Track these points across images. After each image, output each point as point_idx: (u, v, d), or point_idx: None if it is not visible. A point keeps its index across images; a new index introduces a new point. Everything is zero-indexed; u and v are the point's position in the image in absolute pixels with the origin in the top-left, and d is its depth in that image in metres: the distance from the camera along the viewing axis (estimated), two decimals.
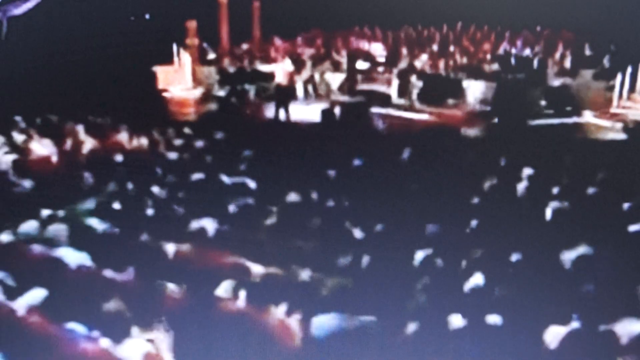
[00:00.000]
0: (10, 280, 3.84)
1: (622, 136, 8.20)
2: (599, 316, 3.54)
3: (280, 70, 9.52)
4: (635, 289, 4.02)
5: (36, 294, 3.59)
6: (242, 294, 3.77)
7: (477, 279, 4.16)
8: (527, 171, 6.34)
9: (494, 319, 3.58)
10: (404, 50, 12.48)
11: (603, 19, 12.02)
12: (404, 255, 4.53)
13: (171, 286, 3.85)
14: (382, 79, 12.17)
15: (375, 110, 10.09)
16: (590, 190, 6.23)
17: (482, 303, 3.82)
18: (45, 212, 5.15)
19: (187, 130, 8.42)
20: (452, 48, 12.71)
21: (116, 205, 5.51)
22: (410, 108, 10.85)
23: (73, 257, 3.95)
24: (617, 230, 5.06)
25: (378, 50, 13.63)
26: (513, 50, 12.44)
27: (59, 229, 4.31)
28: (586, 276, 4.20)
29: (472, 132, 8.61)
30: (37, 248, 4.13)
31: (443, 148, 7.26)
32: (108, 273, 3.81)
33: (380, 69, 12.55)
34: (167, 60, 14.06)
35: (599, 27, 12.08)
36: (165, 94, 12.77)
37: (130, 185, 6.28)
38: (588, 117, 9.72)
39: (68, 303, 3.40)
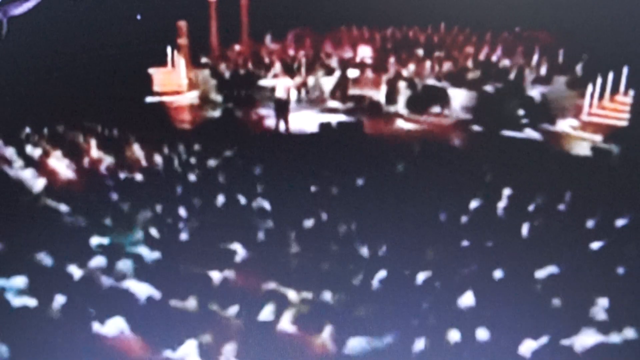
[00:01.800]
0: (90, 309, 4.81)
1: (587, 152, 9.37)
2: (563, 330, 4.69)
3: (281, 84, 10.42)
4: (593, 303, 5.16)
5: (117, 323, 4.58)
6: (283, 316, 4.82)
7: (468, 297, 5.27)
8: (506, 192, 7.44)
9: (482, 333, 4.69)
10: (392, 57, 13.40)
11: (577, 26, 13.16)
12: (408, 277, 5.62)
13: (224, 311, 4.88)
14: (371, 83, 13.16)
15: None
16: (561, 207, 7.40)
17: (474, 319, 4.92)
18: (95, 241, 6.08)
19: (197, 147, 9.33)
20: (436, 53, 13.67)
21: (153, 232, 6.45)
22: (398, 115, 11.91)
23: (141, 289, 4.93)
24: (582, 248, 6.20)
25: (366, 53, 14.54)
26: (494, 58, 13.48)
27: (125, 264, 5.26)
28: (554, 293, 5.33)
29: (456, 145, 9.69)
30: (107, 281, 5.09)
31: (434, 165, 8.34)
32: (174, 303, 4.81)
33: (369, 74, 13.51)
34: (161, 61, 14.81)
35: (573, 34, 13.20)
36: (162, 98, 13.52)
37: (159, 208, 7.21)
38: (561, 125, 10.90)
39: (153, 330, 4.40)
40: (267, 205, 7.28)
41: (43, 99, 11.94)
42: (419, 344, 4.49)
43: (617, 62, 11.74)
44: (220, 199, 7.32)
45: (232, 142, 9.42)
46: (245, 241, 6.17)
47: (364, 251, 6.33)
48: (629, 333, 4.54)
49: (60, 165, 9.17)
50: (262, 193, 7.54)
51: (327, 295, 5.20)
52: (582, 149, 9.70)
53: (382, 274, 5.62)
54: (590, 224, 6.88)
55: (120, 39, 14.66)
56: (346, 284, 5.50)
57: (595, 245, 6.30)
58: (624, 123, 10.79)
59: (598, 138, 10.25)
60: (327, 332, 4.60)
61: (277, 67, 12.34)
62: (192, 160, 8.81)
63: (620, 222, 6.85)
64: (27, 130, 10.64)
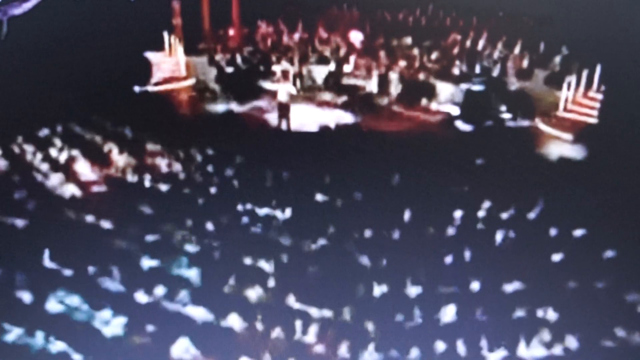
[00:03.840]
0: (158, 332, 6.45)
1: (558, 154, 11.02)
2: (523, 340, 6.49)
3: (282, 89, 11.79)
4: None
5: (183, 343, 6.25)
6: (310, 331, 6.53)
7: (451, 310, 7.02)
8: (485, 204, 9.12)
9: (460, 344, 6.48)
10: (382, 49, 14.67)
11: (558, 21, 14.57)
12: (402, 290, 7.35)
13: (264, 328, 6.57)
14: (363, 73, 14.50)
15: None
16: (532, 215, 9.13)
17: (455, 331, 6.69)
18: (147, 264, 7.65)
19: (200, 146, 10.81)
20: (425, 42, 14.98)
21: (192, 248, 8.04)
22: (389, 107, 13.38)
23: (198, 313, 6.58)
24: (544, 261, 7.95)
25: (357, 38, 15.76)
26: (479, 47, 14.83)
27: (184, 294, 6.88)
28: (518, 305, 7.10)
29: (441, 145, 11.28)
30: (169, 306, 6.71)
31: (423, 175, 9.98)
32: (225, 323, 6.48)
33: (361, 62, 14.81)
34: (159, 46, 15.85)
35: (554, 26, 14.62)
36: (163, 87, 14.65)
37: (189, 222, 8.76)
38: (538, 122, 12.47)
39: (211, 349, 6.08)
40: (280, 214, 8.89)
41: (45, 98, 13.03)
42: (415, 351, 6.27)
43: (593, 57, 13.23)
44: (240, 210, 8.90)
45: (237, 142, 10.92)
46: (269, 257, 7.80)
47: (366, 262, 8.01)
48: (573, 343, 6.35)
49: (88, 171, 10.54)
50: (276, 205, 9.10)
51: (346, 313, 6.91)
52: (553, 151, 11.32)
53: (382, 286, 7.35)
54: (553, 232, 8.63)
55: (117, 26, 15.65)
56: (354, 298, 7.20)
57: (556, 257, 8.05)
58: (594, 120, 12.41)
59: (569, 137, 11.87)
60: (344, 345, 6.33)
61: (279, 68, 13.58)
62: (197, 160, 10.34)
63: (578, 233, 8.59)
64: (46, 131, 11.81)
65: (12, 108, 12.89)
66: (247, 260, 7.83)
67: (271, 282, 7.40)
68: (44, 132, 11.86)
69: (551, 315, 6.82)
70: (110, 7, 16.04)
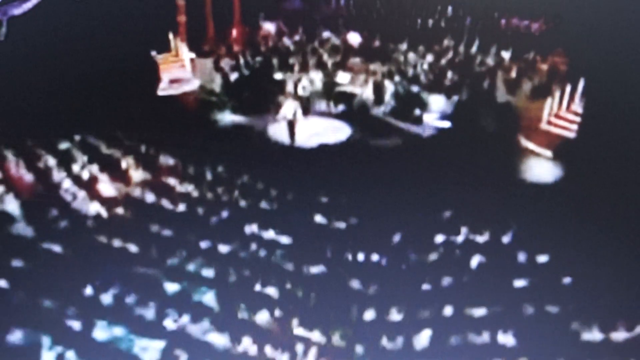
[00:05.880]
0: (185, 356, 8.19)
1: (536, 172, 12.57)
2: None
3: (290, 107, 13.31)
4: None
5: None
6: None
7: (426, 334, 8.75)
8: (464, 230, 10.72)
9: None
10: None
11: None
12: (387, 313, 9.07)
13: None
14: (360, 79, 15.88)
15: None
16: (505, 239, 10.75)
17: (430, 353, 8.44)
18: (171, 288, 9.34)
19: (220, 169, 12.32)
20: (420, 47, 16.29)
21: (209, 273, 9.70)
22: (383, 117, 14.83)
23: (220, 340, 8.30)
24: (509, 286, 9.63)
25: (355, 39, 17.06)
26: (473, 49, 16.16)
27: (205, 324, 8.58)
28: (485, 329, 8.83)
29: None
30: (194, 329, 8.43)
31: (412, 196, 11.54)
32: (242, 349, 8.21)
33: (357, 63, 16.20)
34: (164, 47, 17.10)
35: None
36: (171, 90, 16.01)
37: (204, 245, 10.39)
38: (521, 138, 13.94)
39: None
40: (284, 239, 10.51)
41: (44, 99, 14.17)
42: None
43: (578, 71, 14.60)
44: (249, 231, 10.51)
45: (242, 158, 12.45)
46: (275, 282, 9.47)
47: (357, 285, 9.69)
48: None
49: (109, 189, 12.07)
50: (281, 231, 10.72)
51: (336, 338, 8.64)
52: (532, 168, 12.86)
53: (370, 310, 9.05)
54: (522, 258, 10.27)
55: (119, 26, 16.79)
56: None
57: (519, 283, 9.72)
58: (573, 135, 13.88)
59: (549, 153, 13.39)
60: None
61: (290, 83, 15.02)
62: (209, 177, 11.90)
63: (542, 259, 10.23)
64: (67, 144, 13.27)
65: (10, 108, 14.02)
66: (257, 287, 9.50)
67: (276, 308, 9.09)
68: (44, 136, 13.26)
69: (510, 340, 8.54)
70: (111, 6, 17.11)
